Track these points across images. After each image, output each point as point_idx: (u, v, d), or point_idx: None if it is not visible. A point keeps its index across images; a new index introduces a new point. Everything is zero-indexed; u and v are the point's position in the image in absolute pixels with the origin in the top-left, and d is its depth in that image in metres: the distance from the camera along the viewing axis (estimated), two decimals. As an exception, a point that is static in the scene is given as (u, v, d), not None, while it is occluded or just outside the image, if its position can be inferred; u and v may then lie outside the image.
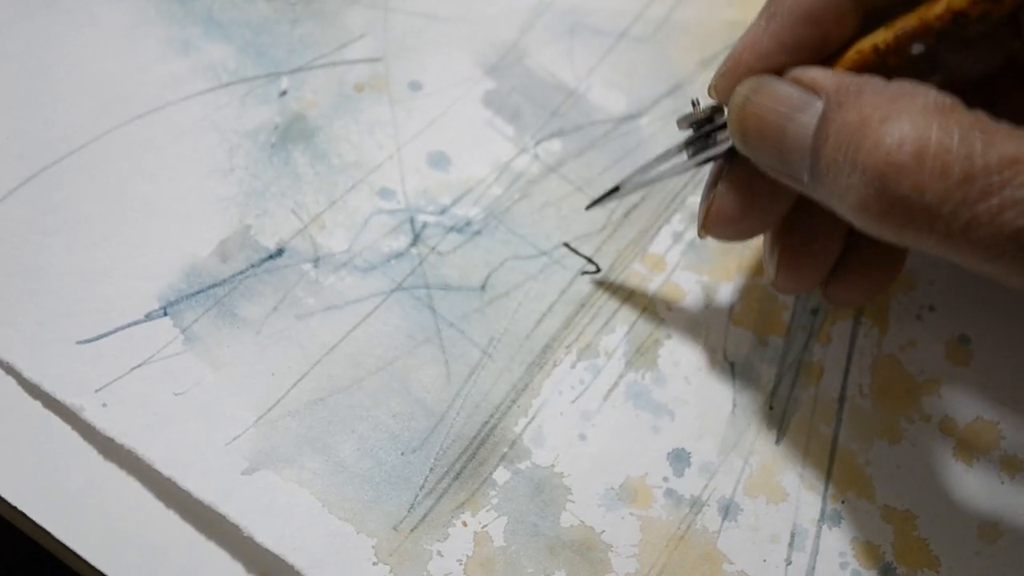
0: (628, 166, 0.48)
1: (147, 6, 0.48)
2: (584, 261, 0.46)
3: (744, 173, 0.41)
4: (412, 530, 0.40)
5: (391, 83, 0.48)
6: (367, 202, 0.46)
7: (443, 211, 0.46)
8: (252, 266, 0.44)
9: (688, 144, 0.42)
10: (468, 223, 0.46)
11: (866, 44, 0.37)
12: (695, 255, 0.47)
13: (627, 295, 0.46)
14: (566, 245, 0.46)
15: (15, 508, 0.39)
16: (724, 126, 0.41)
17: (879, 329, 0.46)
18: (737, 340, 0.45)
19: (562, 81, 0.50)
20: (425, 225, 0.46)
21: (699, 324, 0.45)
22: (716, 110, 0.41)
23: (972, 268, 0.33)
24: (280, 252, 0.44)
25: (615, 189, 0.45)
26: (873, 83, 0.34)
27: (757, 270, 0.47)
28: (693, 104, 0.41)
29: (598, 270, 0.46)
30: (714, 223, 0.42)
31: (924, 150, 0.32)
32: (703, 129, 0.42)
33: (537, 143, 0.48)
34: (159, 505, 0.40)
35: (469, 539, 0.40)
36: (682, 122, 0.42)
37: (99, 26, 0.47)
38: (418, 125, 0.48)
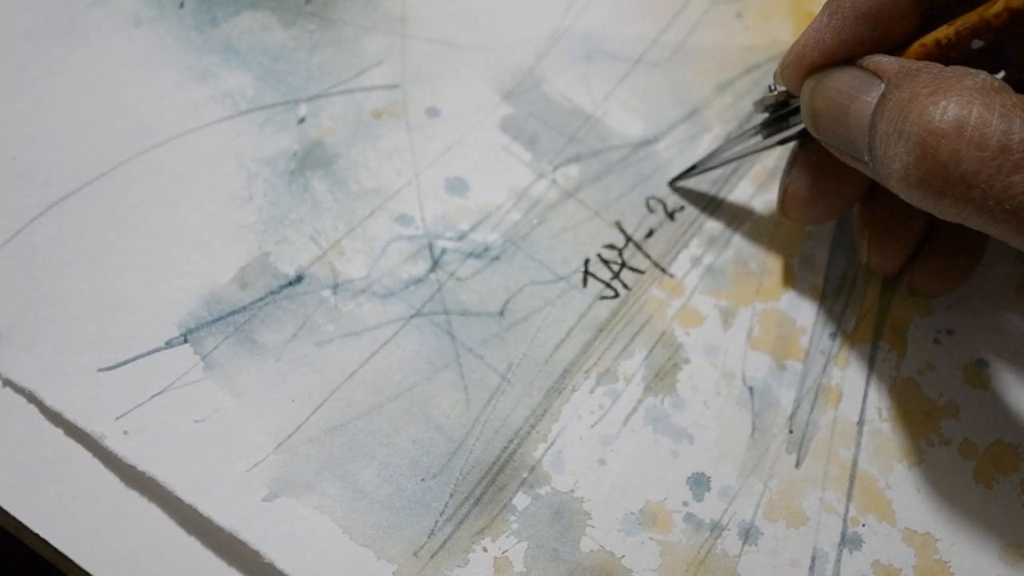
0: (646, 190, 0.48)
1: (165, 35, 0.48)
2: (602, 286, 0.46)
3: (817, 157, 0.44)
4: (432, 556, 0.40)
5: (408, 109, 0.49)
6: (386, 228, 0.46)
7: (461, 237, 0.46)
8: (271, 293, 0.44)
9: (764, 127, 0.45)
10: (487, 249, 0.46)
11: (929, 39, 0.39)
12: (713, 280, 0.47)
13: (645, 320, 0.46)
14: (585, 271, 0.46)
15: (37, 535, 0.39)
16: (797, 110, 0.43)
17: (897, 353, 0.46)
18: (755, 364, 0.45)
19: (579, 106, 0.50)
20: (444, 251, 0.46)
21: (717, 349, 0.45)
22: (791, 95, 0.44)
23: (1009, 240, 0.34)
24: (299, 279, 0.44)
25: (693, 167, 0.48)
26: (931, 67, 0.36)
27: (775, 294, 0.47)
28: (769, 89, 0.43)
29: (616, 295, 0.46)
30: (790, 204, 0.45)
31: (964, 121, 0.34)
32: (777, 112, 0.44)
33: (555, 168, 0.48)
34: (180, 532, 0.40)
35: (489, 565, 0.40)
36: (758, 105, 0.45)
37: (117, 55, 0.48)
38: (436, 151, 0.48)
